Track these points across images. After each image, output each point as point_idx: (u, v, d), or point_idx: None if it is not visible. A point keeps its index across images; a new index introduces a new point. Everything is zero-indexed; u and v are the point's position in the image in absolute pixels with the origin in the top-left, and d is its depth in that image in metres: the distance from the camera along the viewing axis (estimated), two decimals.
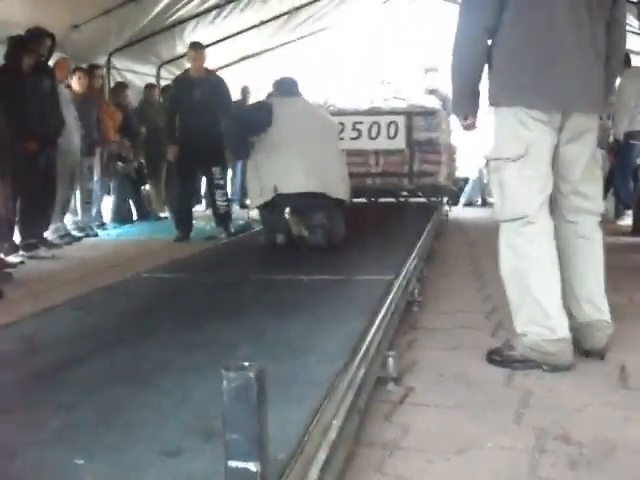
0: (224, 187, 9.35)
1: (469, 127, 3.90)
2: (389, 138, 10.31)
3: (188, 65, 9.40)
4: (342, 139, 9.31)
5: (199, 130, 8.70)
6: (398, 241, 5.95)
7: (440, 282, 5.82)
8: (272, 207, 6.09)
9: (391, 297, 3.85)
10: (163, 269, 5.32)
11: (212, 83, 9.03)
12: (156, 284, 4.71)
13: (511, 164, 3.58)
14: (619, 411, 2.97)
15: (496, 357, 3.64)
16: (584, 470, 2.49)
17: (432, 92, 11.88)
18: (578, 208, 3.72)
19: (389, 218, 6.99)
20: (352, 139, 10.17)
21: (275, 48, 14.36)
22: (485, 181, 13.32)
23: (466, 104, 3.82)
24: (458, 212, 12.08)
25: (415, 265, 4.94)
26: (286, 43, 14.43)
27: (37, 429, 2.14)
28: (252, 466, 1.37)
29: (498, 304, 4.86)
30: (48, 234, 8.55)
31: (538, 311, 3.50)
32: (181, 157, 9.01)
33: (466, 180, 13.66)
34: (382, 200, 10.82)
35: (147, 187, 11.60)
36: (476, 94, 3.77)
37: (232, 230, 9.01)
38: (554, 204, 3.70)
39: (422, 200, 10.69)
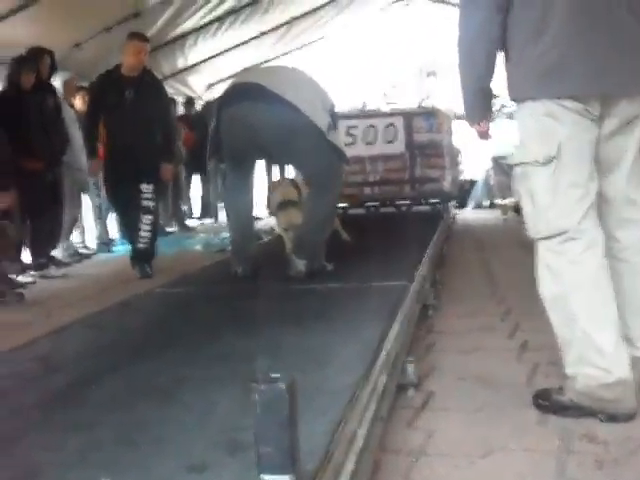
0: (153, 212, 7.38)
1: (484, 134, 3.30)
2: (387, 142, 9.61)
3: (147, 65, 7.59)
4: None
5: (130, 140, 7.09)
6: (408, 248, 5.89)
7: (453, 286, 5.80)
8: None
9: (406, 302, 3.83)
10: (176, 284, 5.31)
11: (149, 85, 7.40)
12: (170, 299, 4.70)
13: (541, 169, 2.94)
14: None
15: (543, 402, 3.04)
16: (611, 469, 2.47)
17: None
18: (623, 220, 3.06)
19: (395, 227, 6.94)
20: (346, 145, 8.77)
21: (276, 58, 14.36)
22: (492, 183, 13.30)
23: (479, 106, 3.20)
24: (466, 215, 12.04)
25: (428, 269, 4.92)
26: (287, 53, 14.43)
27: (59, 449, 2.12)
28: (286, 479, 1.36)
29: (513, 306, 4.87)
30: (57, 252, 8.55)
31: (589, 347, 2.88)
32: (110, 174, 7.43)
33: (473, 183, 13.62)
34: (383, 210, 10.11)
35: None
36: (489, 93, 3.17)
37: (149, 272, 7.26)
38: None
39: (426, 208, 10.00)
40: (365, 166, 9.72)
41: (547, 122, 2.92)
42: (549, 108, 2.91)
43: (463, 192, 12.90)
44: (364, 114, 9.95)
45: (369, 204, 10.13)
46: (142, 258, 7.32)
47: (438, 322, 4.60)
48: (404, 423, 2.97)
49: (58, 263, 8.22)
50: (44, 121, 7.67)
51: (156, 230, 7.62)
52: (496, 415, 3.01)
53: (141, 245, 7.31)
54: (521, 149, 3.06)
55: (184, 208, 12.73)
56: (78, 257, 8.88)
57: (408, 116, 9.73)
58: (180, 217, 12.13)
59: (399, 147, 9.64)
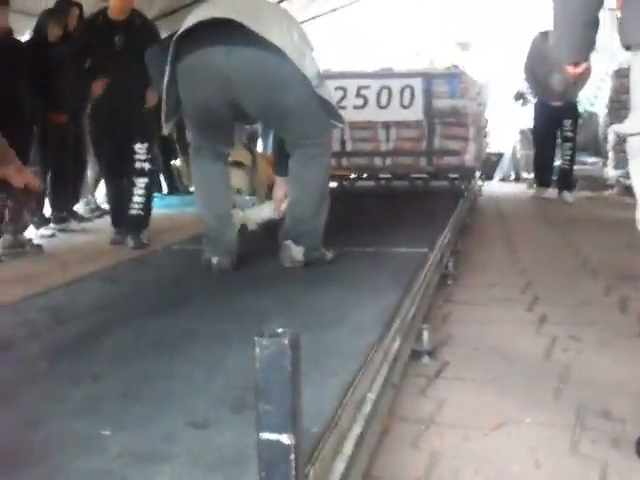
0: (148, 174, 6.68)
1: (578, 76, 2.71)
2: (403, 107, 8.22)
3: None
4: (344, 108, 7.52)
5: (121, 93, 6.37)
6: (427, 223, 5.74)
7: (474, 256, 5.73)
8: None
9: (425, 269, 3.76)
10: (193, 241, 5.22)
11: (139, 29, 6.53)
12: (186, 256, 4.64)
13: None
14: None
15: None
16: (627, 447, 2.40)
17: None
18: None
19: (407, 203, 6.69)
20: (356, 108, 8.07)
21: (307, 21, 14.22)
22: (518, 156, 13.16)
23: (580, 41, 2.56)
24: (492, 188, 11.91)
25: (449, 238, 4.84)
26: (318, 16, 14.28)
27: (63, 400, 2.09)
28: (285, 438, 1.29)
29: (533, 279, 4.80)
30: (79, 207, 8.53)
31: None
32: (97, 130, 6.78)
33: (500, 155, 13.48)
34: (395, 184, 8.89)
35: (177, 161, 11.52)
36: (596, 24, 2.51)
37: (144, 240, 6.58)
38: None
39: (444, 183, 8.72)
40: (377, 133, 8.44)
41: None
42: None
43: (490, 165, 12.72)
44: (378, 73, 8.64)
45: (380, 176, 8.96)
46: (134, 226, 6.65)
47: (457, 292, 4.54)
48: (416, 390, 2.92)
49: (79, 217, 8.21)
50: (69, 74, 7.62)
51: (151, 195, 6.95)
52: (511, 387, 2.95)
53: (133, 211, 6.62)
54: (636, 112, 2.38)
55: None
56: (99, 212, 8.85)
57: (428, 78, 8.37)
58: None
59: (416, 113, 8.28)
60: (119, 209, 6.86)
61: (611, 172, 11.31)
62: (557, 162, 10.37)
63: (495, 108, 12.98)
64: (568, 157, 9.93)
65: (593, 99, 13.29)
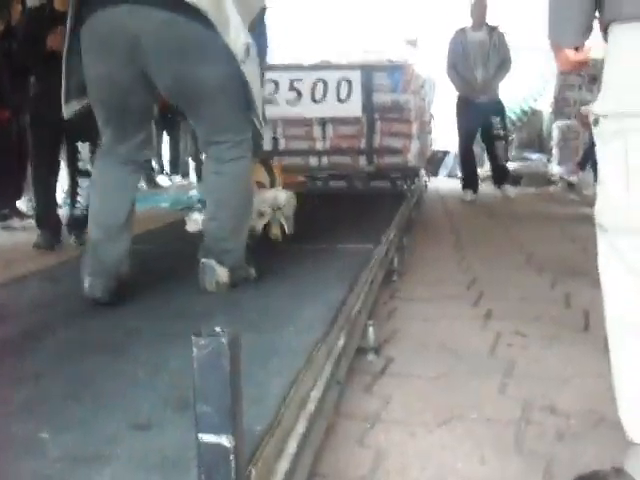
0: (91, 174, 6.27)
1: (577, 64, 2.19)
2: (340, 101, 7.71)
3: None
4: (275, 103, 7.35)
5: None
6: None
7: (420, 252, 5.74)
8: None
9: (370, 266, 3.75)
10: (137, 240, 5.16)
11: None
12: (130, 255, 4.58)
13: None
14: (606, 381, 2.89)
15: None
16: (571, 442, 2.42)
17: None
18: None
19: (351, 203, 6.60)
20: (289, 103, 7.62)
21: None
22: None
23: (588, 17, 2.07)
24: (438, 184, 11.97)
25: (394, 234, 4.84)
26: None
27: (1, 401, 2.04)
28: (225, 440, 1.27)
29: (479, 274, 4.82)
30: (21, 204, 8.40)
31: None
32: (36, 127, 6.48)
33: (446, 153, 13.53)
34: (332, 184, 8.20)
35: None
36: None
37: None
38: None
39: (386, 184, 8.07)
40: (312, 130, 7.94)
41: None
42: None
43: (435, 162, 12.76)
44: (312, 65, 8.11)
45: (317, 176, 8.23)
46: (77, 226, 6.33)
47: (402, 288, 4.55)
48: (362, 388, 2.91)
49: (21, 215, 8.08)
50: (11, 69, 7.50)
51: None
52: (457, 383, 2.96)
53: (77, 212, 6.40)
54: (612, 92, 2.02)
55: (154, 165, 12.54)
56: None
57: (367, 70, 7.87)
58: (148, 174, 11.94)
59: (354, 109, 7.77)
60: (46, 209, 6.58)
61: (555, 168, 11.44)
62: (487, 160, 10.35)
63: (442, 104, 13.03)
64: (502, 154, 9.67)
65: (537, 96, 13.41)
